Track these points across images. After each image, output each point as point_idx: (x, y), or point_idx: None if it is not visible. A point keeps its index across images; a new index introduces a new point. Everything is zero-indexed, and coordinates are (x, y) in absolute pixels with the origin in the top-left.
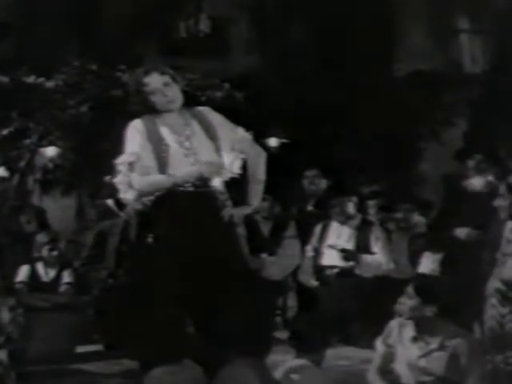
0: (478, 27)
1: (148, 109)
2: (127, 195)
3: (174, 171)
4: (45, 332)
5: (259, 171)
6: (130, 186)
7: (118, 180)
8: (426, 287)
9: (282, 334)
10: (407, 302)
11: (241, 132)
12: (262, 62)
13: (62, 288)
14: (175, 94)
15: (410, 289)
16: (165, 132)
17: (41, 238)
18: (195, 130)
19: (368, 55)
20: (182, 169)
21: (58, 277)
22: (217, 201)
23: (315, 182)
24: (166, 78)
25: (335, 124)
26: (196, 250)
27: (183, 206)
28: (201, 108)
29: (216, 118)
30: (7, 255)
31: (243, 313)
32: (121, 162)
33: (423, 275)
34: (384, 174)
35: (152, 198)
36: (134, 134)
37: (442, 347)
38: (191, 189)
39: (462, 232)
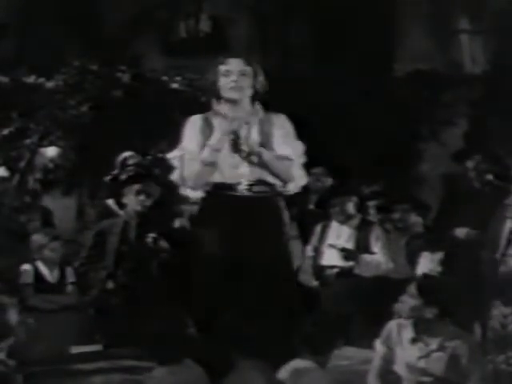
0: (478, 27)
1: (212, 91)
2: (185, 191)
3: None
4: (48, 333)
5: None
6: (183, 180)
7: (174, 176)
8: (429, 288)
9: None
10: (409, 301)
11: (287, 149)
12: (263, 62)
13: (69, 288)
14: (244, 85)
15: (413, 288)
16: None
17: (40, 238)
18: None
19: (368, 55)
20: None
21: (63, 276)
22: (273, 206)
23: (321, 179)
24: (246, 68)
25: (335, 124)
26: (242, 251)
27: (235, 210)
28: (275, 114)
29: (280, 130)
30: (7, 256)
31: (278, 315)
32: (172, 156)
33: (427, 276)
34: (383, 174)
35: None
36: (190, 128)
37: (441, 348)
38: (247, 193)
39: (461, 232)
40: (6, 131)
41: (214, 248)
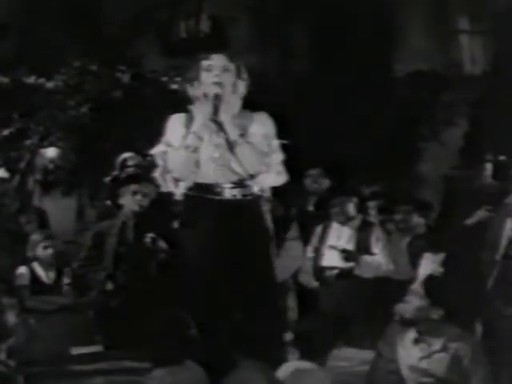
0: (478, 27)
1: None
2: (168, 187)
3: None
4: (47, 334)
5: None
6: (167, 172)
7: (157, 174)
8: (436, 289)
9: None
10: (414, 301)
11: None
12: (263, 62)
13: (65, 289)
14: (226, 81)
15: (418, 289)
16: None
17: (35, 237)
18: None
19: (368, 55)
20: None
21: (59, 278)
22: (255, 210)
23: (318, 180)
24: (229, 65)
25: (335, 124)
26: (225, 254)
27: (217, 213)
28: (256, 112)
29: (259, 126)
30: (7, 256)
31: (264, 316)
32: (156, 152)
33: (433, 276)
34: (384, 174)
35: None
36: (173, 123)
37: (444, 349)
38: (228, 197)
39: (481, 214)
40: (6, 132)
41: (196, 252)
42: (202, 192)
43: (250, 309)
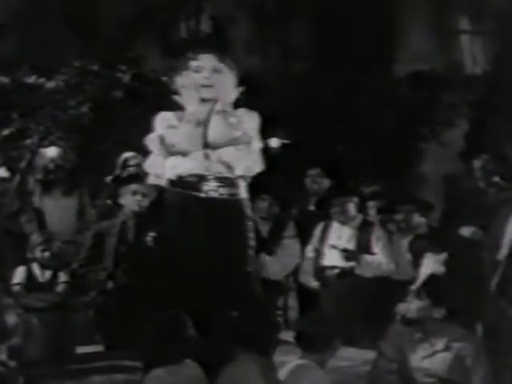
0: (479, 28)
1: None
2: (158, 178)
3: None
4: (45, 333)
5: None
6: (162, 156)
7: (150, 159)
8: (438, 289)
9: (284, 335)
10: (415, 301)
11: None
12: (263, 63)
13: (60, 288)
14: (216, 82)
15: (420, 289)
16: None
17: (35, 238)
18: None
19: (368, 55)
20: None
21: (55, 276)
22: (236, 209)
23: (318, 180)
24: (219, 65)
25: (335, 124)
26: (207, 252)
27: (201, 211)
28: (244, 110)
29: (242, 114)
30: (7, 256)
31: (247, 312)
32: (150, 136)
33: (435, 276)
34: (384, 174)
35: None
36: (162, 119)
37: (447, 348)
38: (213, 195)
39: (467, 230)
40: (6, 131)
41: (177, 248)
42: (185, 188)
43: (234, 307)
